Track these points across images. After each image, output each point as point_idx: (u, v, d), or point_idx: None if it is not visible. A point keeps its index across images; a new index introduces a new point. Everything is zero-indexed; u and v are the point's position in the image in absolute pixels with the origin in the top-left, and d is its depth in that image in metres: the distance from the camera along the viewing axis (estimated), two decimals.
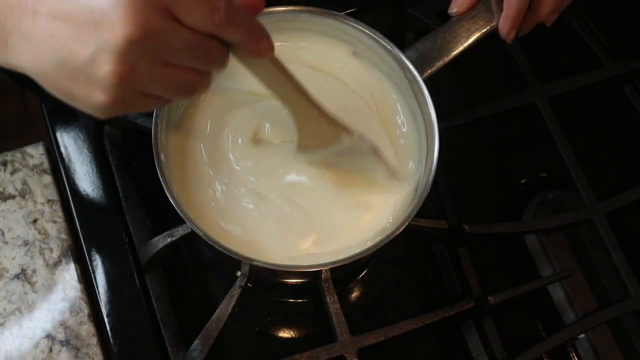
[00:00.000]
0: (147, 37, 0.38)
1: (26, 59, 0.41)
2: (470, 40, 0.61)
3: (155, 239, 0.59)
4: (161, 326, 0.59)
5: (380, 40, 0.60)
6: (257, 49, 0.45)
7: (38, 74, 0.42)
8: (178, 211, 0.52)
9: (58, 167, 0.63)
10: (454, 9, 0.62)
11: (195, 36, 0.41)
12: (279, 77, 0.50)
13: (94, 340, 0.58)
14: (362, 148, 0.57)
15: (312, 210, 0.58)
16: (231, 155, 0.59)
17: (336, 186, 0.59)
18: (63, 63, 0.40)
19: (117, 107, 0.42)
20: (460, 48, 0.61)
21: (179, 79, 0.43)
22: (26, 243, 0.60)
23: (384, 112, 0.62)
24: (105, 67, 0.39)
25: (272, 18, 0.61)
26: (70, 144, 0.64)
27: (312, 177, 0.59)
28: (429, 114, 0.58)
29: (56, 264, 0.60)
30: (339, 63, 0.63)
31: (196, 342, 0.57)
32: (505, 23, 0.60)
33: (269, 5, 0.60)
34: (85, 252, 0.60)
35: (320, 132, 0.56)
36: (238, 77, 0.60)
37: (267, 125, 0.60)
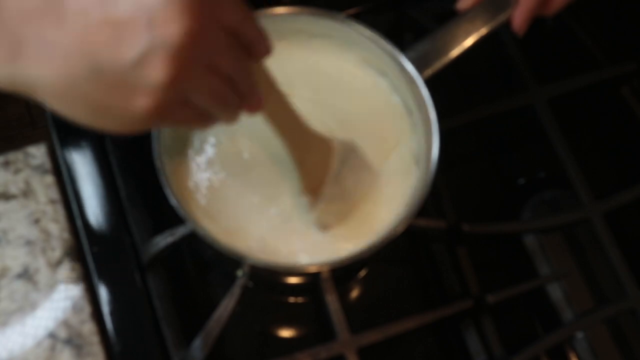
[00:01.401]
0: (203, 34, 0.36)
1: (48, 70, 0.36)
2: (470, 41, 0.61)
3: (157, 238, 0.59)
4: (162, 325, 0.59)
5: (380, 41, 0.61)
6: (267, 46, 0.44)
7: (62, 87, 0.36)
8: (178, 211, 0.53)
9: (60, 168, 0.64)
10: (461, 4, 0.63)
11: (234, 41, 0.40)
12: (279, 99, 0.49)
13: (96, 338, 0.58)
14: (348, 154, 0.57)
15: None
16: (232, 157, 0.60)
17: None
18: (99, 69, 0.35)
19: (158, 116, 0.38)
20: (460, 49, 0.61)
21: (221, 89, 0.40)
22: (28, 243, 0.61)
23: (382, 113, 0.63)
24: (157, 67, 0.35)
25: (272, 20, 0.61)
26: (72, 144, 0.64)
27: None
28: (428, 114, 0.58)
29: (58, 263, 0.60)
30: (337, 64, 0.64)
31: (197, 340, 0.57)
32: (519, 16, 0.60)
33: (268, 6, 0.61)
34: (87, 251, 0.61)
35: (317, 157, 0.54)
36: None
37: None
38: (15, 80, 0.37)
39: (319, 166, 0.55)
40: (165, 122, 0.40)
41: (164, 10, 0.35)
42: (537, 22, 0.62)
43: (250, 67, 0.43)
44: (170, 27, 0.35)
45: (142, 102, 0.37)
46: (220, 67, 0.40)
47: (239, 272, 0.59)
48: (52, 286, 0.60)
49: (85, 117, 0.38)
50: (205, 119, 0.43)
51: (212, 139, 0.60)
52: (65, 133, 0.64)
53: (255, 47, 0.42)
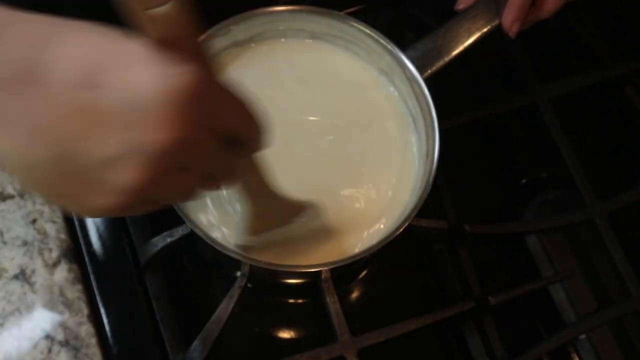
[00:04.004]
0: (189, 144, 0.33)
1: (9, 145, 0.32)
2: (471, 40, 0.61)
3: (155, 239, 0.59)
4: (160, 326, 0.59)
5: (380, 40, 0.60)
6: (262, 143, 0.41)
7: (22, 165, 0.32)
8: (177, 211, 0.52)
9: None
10: (460, 5, 0.62)
11: (221, 147, 0.36)
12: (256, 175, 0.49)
13: (94, 340, 0.58)
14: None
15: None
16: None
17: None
18: (63, 159, 0.32)
19: (115, 213, 0.35)
20: (461, 48, 0.61)
21: (190, 187, 0.37)
22: (25, 243, 0.60)
23: (383, 112, 0.62)
24: (128, 172, 0.32)
25: (272, 18, 0.60)
26: None
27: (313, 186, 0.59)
28: (430, 113, 0.58)
29: (55, 264, 0.60)
30: (337, 63, 0.63)
31: (196, 342, 0.56)
32: (507, 15, 0.60)
33: (268, 5, 0.60)
34: (84, 252, 0.60)
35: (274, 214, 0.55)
36: None
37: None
38: None
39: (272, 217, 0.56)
40: (118, 215, 0.39)
41: (155, 112, 0.31)
42: (539, 22, 0.62)
43: (234, 162, 0.40)
44: (155, 134, 0.31)
45: (100, 201, 0.34)
46: (199, 169, 0.37)
47: (238, 273, 0.58)
48: (49, 287, 0.59)
49: (47, 198, 0.37)
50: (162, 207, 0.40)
51: None
52: None
53: (248, 146, 0.39)
